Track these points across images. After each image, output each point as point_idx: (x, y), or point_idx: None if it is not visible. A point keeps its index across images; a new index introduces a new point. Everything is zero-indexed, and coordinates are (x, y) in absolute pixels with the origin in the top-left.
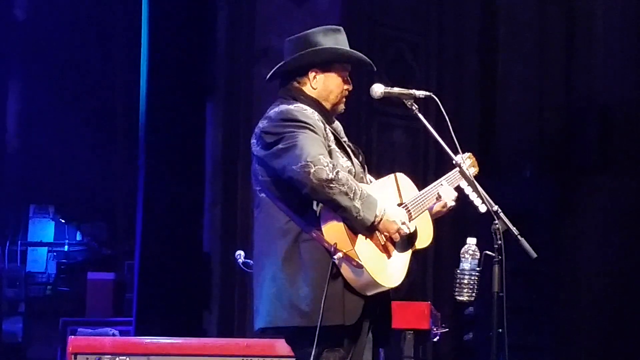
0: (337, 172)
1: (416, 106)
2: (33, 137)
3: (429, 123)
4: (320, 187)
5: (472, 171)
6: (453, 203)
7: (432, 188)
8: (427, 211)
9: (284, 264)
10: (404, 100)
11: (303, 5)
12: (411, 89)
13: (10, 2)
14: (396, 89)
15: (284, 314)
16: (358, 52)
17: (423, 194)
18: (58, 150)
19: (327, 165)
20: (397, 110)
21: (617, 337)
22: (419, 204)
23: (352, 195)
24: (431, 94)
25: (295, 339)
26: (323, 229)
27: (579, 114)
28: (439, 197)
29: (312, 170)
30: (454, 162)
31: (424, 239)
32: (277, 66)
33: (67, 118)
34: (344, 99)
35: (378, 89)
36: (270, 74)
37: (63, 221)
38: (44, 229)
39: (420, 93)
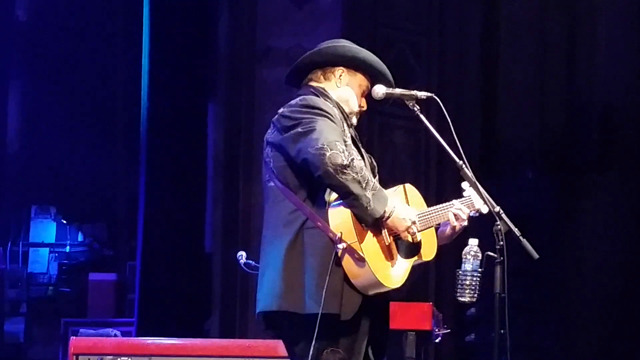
0: (352, 160)
1: (418, 107)
2: (34, 138)
3: (431, 124)
4: (334, 172)
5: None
6: (465, 223)
7: (443, 208)
8: (432, 228)
9: (287, 251)
10: (406, 101)
11: (304, 5)
12: (413, 89)
13: (11, 3)
14: (398, 90)
15: (280, 299)
16: (387, 69)
17: (432, 210)
18: (59, 151)
19: (343, 152)
20: (398, 111)
21: (620, 338)
22: (426, 218)
23: (364, 184)
24: (433, 94)
25: (290, 329)
26: (330, 218)
27: (581, 113)
28: (450, 218)
29: (327, 154)
30: (456, 164)
31: (428, 253)
32: (308, 53)
33: (68, 119)
34: (358, 115)
35: (380, 90)
36: (298, 61)
37: (64, 222)
38: (45, 230)
39: (422, 94)
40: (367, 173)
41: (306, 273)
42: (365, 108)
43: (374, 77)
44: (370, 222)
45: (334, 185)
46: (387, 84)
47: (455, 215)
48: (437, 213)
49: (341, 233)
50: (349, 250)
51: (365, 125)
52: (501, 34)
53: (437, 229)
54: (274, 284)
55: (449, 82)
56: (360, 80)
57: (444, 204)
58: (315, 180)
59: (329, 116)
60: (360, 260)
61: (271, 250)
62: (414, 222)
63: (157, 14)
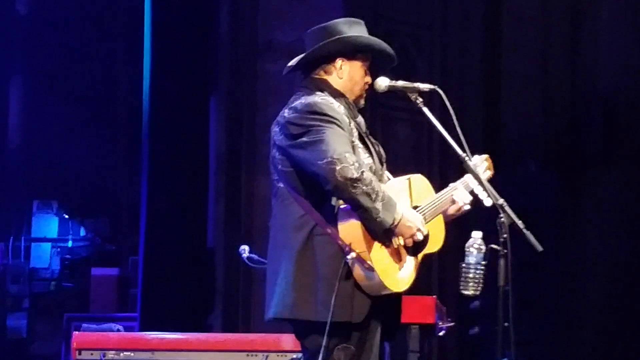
0: (362, 172)
1: (421, 99)
2: (36, 132)
3: (434, 116)
4: (344, 186)
5: (488, 174)
6: (468, 207)
7: (448, 192)
8: (440, 215)
9: (297, 257)
10: (409, 94)
11: None
12: (415, 82)
13: None
14: (400, 83)
15: (293, 307)
16: (384, 43)
17: (439, 197)
18: (61, 145)
19: (353, 164)
20: (401, 103)
21: (623, 331)
22: (434, 207)
23: (374, 196)
24: (436, 87)
25: (303, 331)
26: (339, 227)
27: (584, 107)
28: (453, 201)
29: (337, 168)
30: (460, 157)
31: (435, 243)
32: (303, 55)
33: (69, 113)
34: (365, 93)
35: (382, 82)
36: (295, 62)
37: (67, 217)
38: (47, 225)
39: (425, 86)
40: (376, 183)
41: (317, 281)
42: (370, 81)
43: (373, 54)
44: (380, 232)
45: (344, 198)
46: (388, 58)
47: (457, 198)
48: (443, 199)
49: (350, 243)
50: (359, 259)
51: (368, 118)
52: (503, 26)
53: (445, 212)
54: (286, 292)
55: (451, 74)
56: (360, 63)
57: (448, 188)
58: (324, 191)
59: (337, 122)
60: (369, 270)
61: (281, 255)
62: (419, 229)
63: (158, 8)
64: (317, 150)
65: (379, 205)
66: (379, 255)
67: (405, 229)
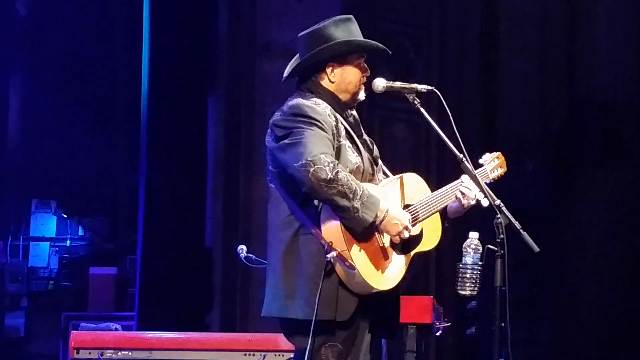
0: (337, 173)
1: (418, 100)
2: (35, 132)
3: (431, 117)
4: (318, 187)
5: (499, 172)
6: (473, 202)
7: (448, 190)
8: (437, 214)
9: (284, 256)
10: (406, 95)
11: None
12: (413, 83)
13: None
14: (398, 83)
15: (279, 305)
16: (371, 41)
17: (435, 195)
18: (60, 145)
19: (328, 165)
20: (399, 104)
21: (620, 331)
22: (429, 205)
23: (351, 195)
24: (433, 88)
25: (290, 330)
26: (322, 226)
27: (581, 107)
28: (462, 194)
29: (311, 170)
30: (457, 157)
31: (429, 242)
32: (294, 64)
33: (68, 113)
34: (363, 86)
35: (380, 83)
36: (286, 73)
37: (65, 216)
38: (46, 224)
39: (423, 87)
40: (353, 182)
41: (302, 279)
42: (369, 74)
43: (365, 53)
44: (360, 230)
45: (320, 199)
46: (381, 52)
47: (462, 193)
48: (443, 196)
49: (331, 242)
50: (340, 258)
51: (365, 119)
52: (501, 26)
53: (451, 209)
54: (274, 290)
55: (449, 75)
56: (352, 64)
57: (446, 187)
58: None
59: (318, 123)
60: (350, 268)
61: (271, 255)
62: (405, 227)
63: (157, 8)
64: (294, 153)
65: (357, 203)
66: (360, 254)
67: (391, 226)
